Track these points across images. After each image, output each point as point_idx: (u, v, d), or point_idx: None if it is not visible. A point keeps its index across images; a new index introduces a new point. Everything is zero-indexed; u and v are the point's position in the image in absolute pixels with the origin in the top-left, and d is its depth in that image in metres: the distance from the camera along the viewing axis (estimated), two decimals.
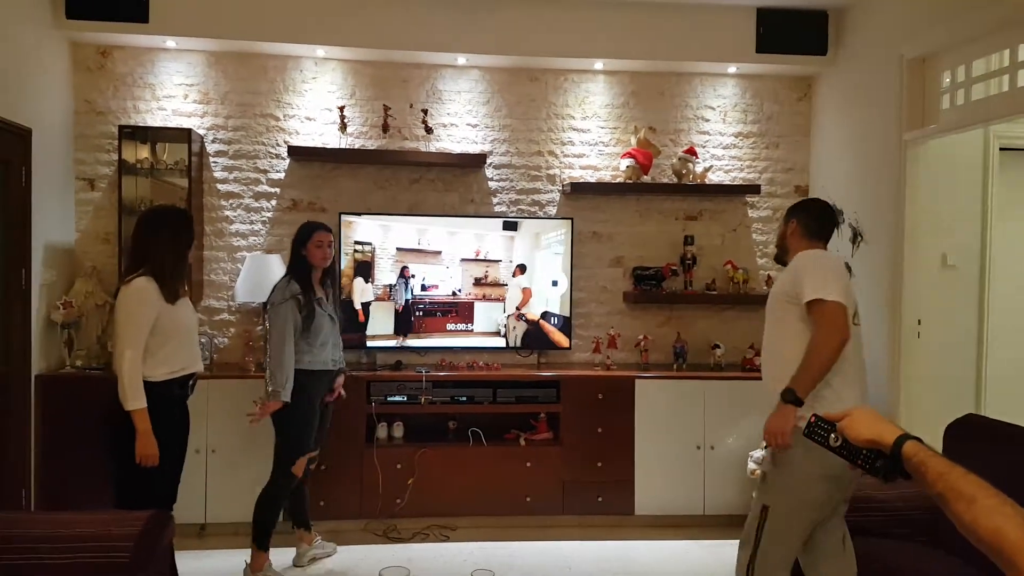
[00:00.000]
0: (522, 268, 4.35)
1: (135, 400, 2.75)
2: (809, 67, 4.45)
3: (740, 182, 4.60)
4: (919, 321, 3.82)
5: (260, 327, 4.00)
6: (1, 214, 3.59)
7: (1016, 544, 0.90)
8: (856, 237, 4.15)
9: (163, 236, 2.88)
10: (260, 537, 3.39)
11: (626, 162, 4.39)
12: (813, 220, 2.69)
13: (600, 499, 4.09)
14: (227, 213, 4.37)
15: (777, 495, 2.43)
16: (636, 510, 4.11)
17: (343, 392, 3.71)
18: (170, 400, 2.89)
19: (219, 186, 4.37)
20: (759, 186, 4.57)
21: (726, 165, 4.63)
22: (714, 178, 4.56)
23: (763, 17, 4.29)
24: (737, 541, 2.60)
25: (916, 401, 3.80)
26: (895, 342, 3.80)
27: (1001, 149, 4.07)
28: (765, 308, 2.69)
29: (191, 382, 3.01)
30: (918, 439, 1.14)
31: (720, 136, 4.63)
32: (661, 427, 4.08)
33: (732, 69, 4.50)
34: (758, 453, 3.90)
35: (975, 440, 2.79)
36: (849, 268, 4.18)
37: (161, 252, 2.86)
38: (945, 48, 3.59)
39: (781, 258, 2.80)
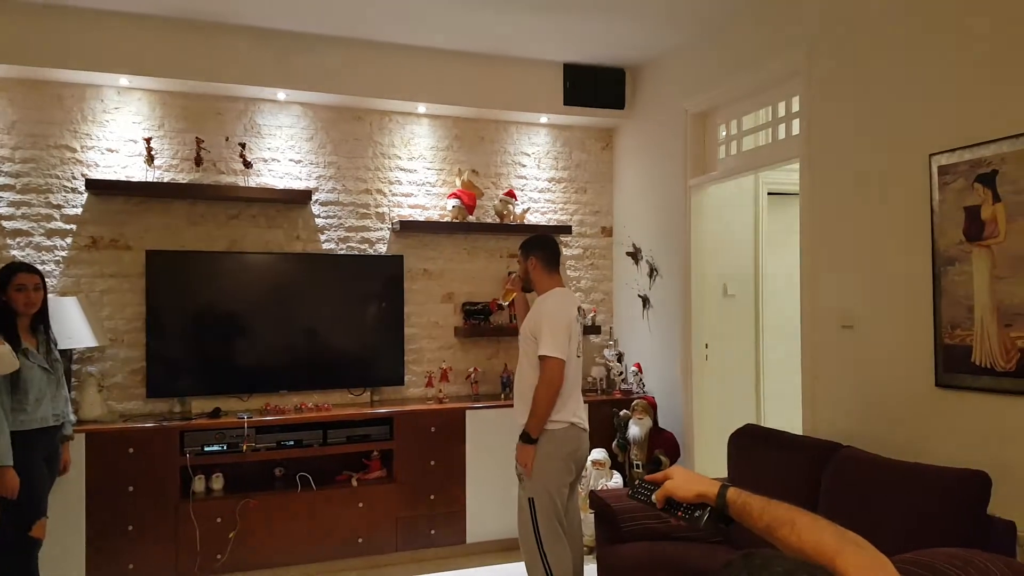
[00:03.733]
0: None
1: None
2: (610, 119, 4.74)
3: (555, 223, 4.78)
4: (706, 344, 4.17)
5: None
6: None
7: (833, 547, 0.98)
8: (652, 272, 4.47)
9: None
10: None
11: (452, 202, 4.41)
12: (547, 254, 3.17)
13: (432, 531, 3.98)
14: (14, 252, 3.74)
15: (534, 487, 2.96)
16: (468, 538, 4.04)
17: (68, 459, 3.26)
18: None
19: (4, 223, 3.75)
20: (571, 227, 4.78)
21: (542, 207, 4.79)
22: (532, 219, 4.70)
23: (570, 72, 4.53)
24: None
25: (707, 415, 4.11)
26: (687, 363, 4.10)
27: (769, 193, 4.57)
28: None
29: None
30: (733, 485, 1.21)
31: (536, 180, 4.79)
32: (491, 455, 4.05)
33: (544, 119, 4.69)
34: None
35: (753, 446, 3.04)
36: (648, 300, 4.52)
37: None
38: (721, 104, 3.97)
39: (528, 288, 3.26)
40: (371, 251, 4.40)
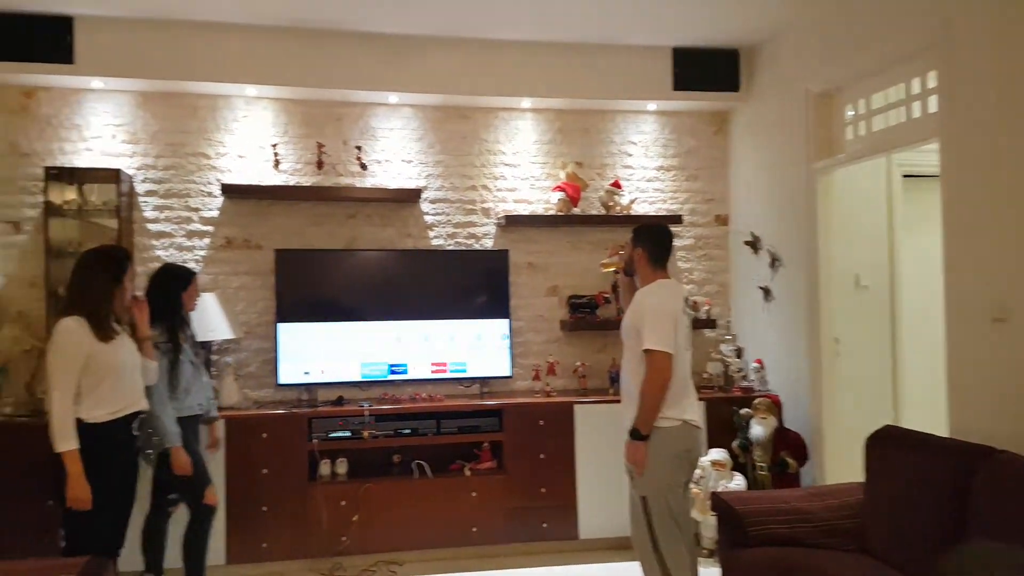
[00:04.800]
0: None
1: (63, 442, 2.58)
2: (723, 103, 4.47)
3: (664, 213, 4.54)
4: (836, 339, 3.81)
5: None
6: None
7: None
8: (774, 261, 4.15)
9: (93, 275, 2.72)
10: (200, 572, 3.21)
11: (556, 195, 4.31)
12: (658, 249, 2.96)
13: (545, 525, 3.90)
14: (159, 253, 4.07)
15: (647, 486, 2.80)
16: (580, 534, 3.93)
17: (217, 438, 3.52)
18: (114, 443, 2.70)
19: (149, 226, 4.09)
20: (681, 216, 4.53)
21: (650, 197, 4.59)
22: (639, 209, 4.50)
23: (679, 57, 4.30)
24: None
25: (837, 415, 3.77)
26: (815, 359, 3.77)
27: (904, 176, 4.12)
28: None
29: (136, 421, 2.80)
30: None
31: (643, 170, 4.59)
32: (600, 450, 3.90)
33: (651, 106, 4.49)
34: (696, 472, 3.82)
35: (893, 449, 2.76)
36: (769, 292, 4.20)
37: (92, 291, 2.69)
38: (847, 83, 3.63)
39: (630, 273, 3.09)
40: (477, 246, 4.40)
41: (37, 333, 3.79)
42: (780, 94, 4.09)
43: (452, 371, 4.18)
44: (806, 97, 3.81)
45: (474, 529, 3.85)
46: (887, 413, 4.00)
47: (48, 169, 3.80)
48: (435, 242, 4.37)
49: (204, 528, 3.23)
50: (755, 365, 4.27)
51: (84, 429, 2.61)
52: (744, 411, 3.97)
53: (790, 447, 3.80)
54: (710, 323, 4.43)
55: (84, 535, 2.64)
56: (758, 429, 3.84)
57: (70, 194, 3.87)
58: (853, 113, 3.65)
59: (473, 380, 4.25)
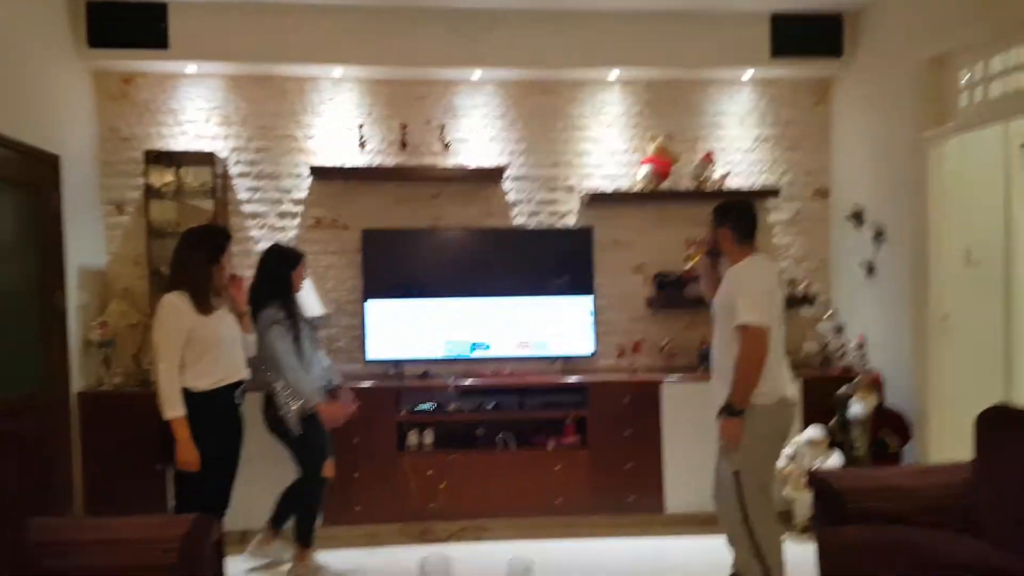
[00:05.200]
0: None
1: (171, 409, 2.75)
2: (825, 70, 4.18)
3: (759, 186, 4.32)
4: (945, 316, 3.58)
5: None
6: (35, 239, 3.47)
7: None
8: (878, 236, 3.90)
9: (193, 253, 2.84)
10: (302, 535, 3.33)
11: (644, 170, 4.14)
12: (744, 225, 2.87)
13: (630, 498, 3.90)
14: (252, 233, 4.18)
15: (742, 461, 2.78)
16: (667, 508, 3.90)
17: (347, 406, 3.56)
18: (217, 409, 2.85)
19: (243, 207, 4.18)
20: (778, 190, 4.29)
21: (744, 170, 4.36)
22: (733, 183, 4.29)
23: (777, 22, 4.04)
24: None
25: (944, 394, 3.58)
26: (921, 337, 3.58)
27: (1021, 146, 3.79)
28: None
29: (239, 390, 2.93)
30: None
31: (737, 141, 4.36)
32: (689, 428, 3.84)
33: (747, 75, 4.24)
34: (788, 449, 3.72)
35: (1006, 430, 2.59)
36: (873, 268, 3.97)
37: (192, 268, 2.82)
38: (962, 47, 3.33)
39: (716, 254, 3.02)
40: (560, 224, 4.31)
41: (141, 308, 3.97)
42: (887, 60, 3.80)
43: (535, 349, 4.15)
44: (915, 62, 3.53)
45: (558, 500, 3.87)
46: (997, 392, 3.77)
47: (147, 153, 3.91)
48: (517, 220, 4.30)
49: (316, 495, 3.34)
50: (856, 343, 4.07)
51: (190, 397, 2.77)
52: (843, 390, 3.83)
53: (891, 426, 3.66)
54: (808, 300, 4.23)
55: (192, 495, 2.82)
56: (858, 408, 3.71)
57: (168, 176, 3.98)
58: (968, 79, 3.35)
59: (556, 358, 4.21)
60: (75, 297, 3.71)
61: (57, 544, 2.22)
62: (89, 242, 3.92)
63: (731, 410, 2.74)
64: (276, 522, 3.45)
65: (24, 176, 3.36)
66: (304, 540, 3.33)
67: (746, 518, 2.78)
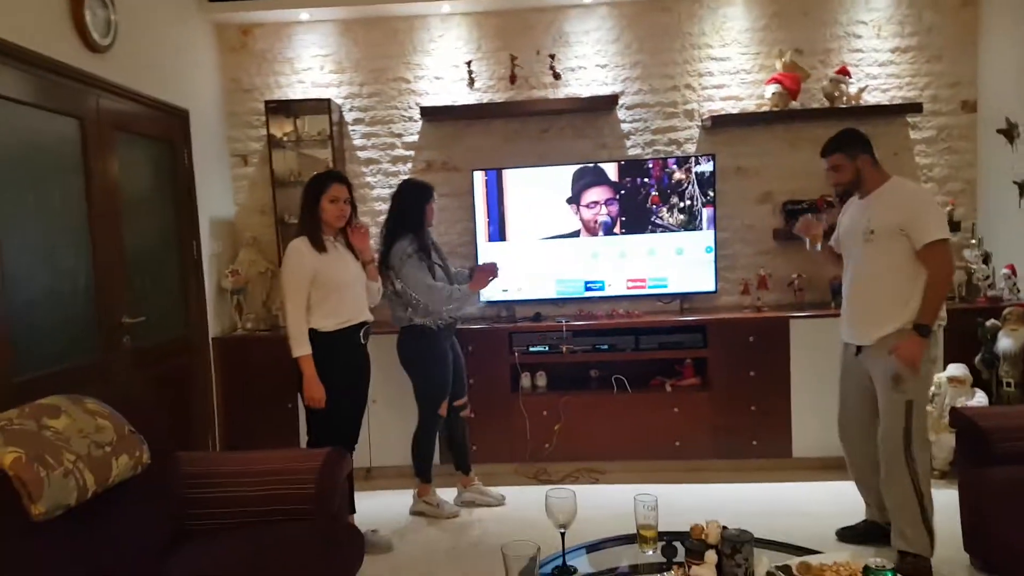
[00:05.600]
0: None
1: (298, 348, 2.81)
2: None
3: (899, 101, 3.92)
4: None
5: (389, 290, 3.44)
6: (171, 191, 3.62)
7: None
8: None
9: (303, 198, 2.92)
10: (421, 471, 3.41)
11: (771, 89, 3.83)
12: (871, 148, 2.74)
13: (755, 442, 3.70)
14: (368, 179, 4.21)
15: (917, 388, 2.63)
16: (794, 452, 3.68)
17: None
18: (343, 348, 2.90)
19: (359, 153, 4.21)
20: (921, 104, 3.87)
21: (883, 84, 3.96)
22: (870, 99, 3.91)
23: None
24: None
25: None
26: None
27: None
28: (852, 238, 2.75)
29: (363, 330, 2.99)
30: None
31: (874, 53, 3.95)
32: (820, 368, 3.56)
33: None
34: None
35: None
36: (1023, 190, 3.53)
37: (303, 212, 2.90)
38: None
39: (850, 193, 2.82)
40: (679, 152, 4.07)
41: (269, 256, 4.11)
42: None
43: (651, 287, 3.98)
44: None
45: (677, 443, 3.74)
46: None
47: (267, 103, 3.99)
48: (631, 151, 4.11)
49: (431, 432, 3.41)
50: (1006, 271, 3.66)
51: (317, 337, 2.84)
52: (991, 322, 3.48)
53: None
54: (954, 226, 3.82)
55: (323, 430, 2.89)
56: (1007, 342, 3.38)
57: (287, 126, 4.06)
58: None
59: (674, 296, 4.03)
60: (208, 247, 3.87)
61: (202, 476, 2.33)
62: (218, 193, 4.07)
63: (924, 330, 2.59)
64: (459, 466, 3.56)
65: (159, 131, 3.51)
66: (423, 475, 3.40)
67: (908, 449, 2.61)
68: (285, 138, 4.03)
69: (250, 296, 4.10)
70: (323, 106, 3.97)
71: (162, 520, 2.13)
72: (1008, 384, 3.40)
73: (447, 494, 3.51)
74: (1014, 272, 3.64)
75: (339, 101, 4.14)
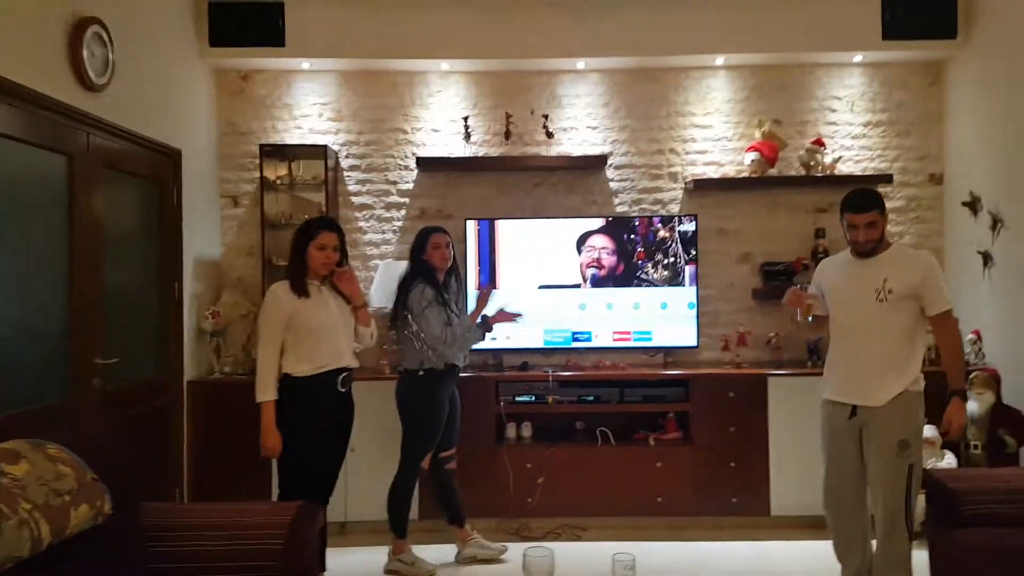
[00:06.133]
0: None
1: (261, 393, 2.70)
2: (939, 51, 3.91)
3: (871, 172, 4.05)
4: None
5: (393, 333, 3.42)
6: (157, 230, 3.49)
7: None
8: (996, 224, 3.57)
9: (293, 244, 2.82)
10: (396, 525, 3.20)
11: (751, 156, 3.93)
12: None
13: (734, 499, 3.62)
14: (360, 224, 4.14)
15: (918, 453, 2.59)
16: (772, 511, 3.59)
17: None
18: (317, 394, 2.73)
19: (353, 198, 4.15)
20: (891, 175, 4.01)
21: (856, 155, 4.10)
22: (844, 168, 4.04)
23: (888, 3, 3.78)
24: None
25: None
26: None
27: None
28: (857, 298, 2.59)
29: (342, 377, 2.80)
30: None
31: (848, 126, 4.11)
32: (797, 425, 3.53)
33: (858, 58, 4.00)
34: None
35: None
36: (990, 257, 3.55)
37: (290, 256, 2.81)
38: None
39: (872, 252, 2.60)
40: (663, 212, 4.09)
41: (253, 298, 3.95)
42: (1005, 38, 3.52)
43: (636, 339, 3.93)
44: None
45: (659, 499, 3.63)
46: None
47: (262, 147, 3.93)
48: (619, 208, 4.16)
49: (408, 484, 3.21)
50: (971, 337, 3.69)
51: (291, 382, 2.70)
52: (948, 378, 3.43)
53: (1010, 425, 3.33)
54: None
55: (295, 482, 2.71)
56: (973, 405, 3.38)
57: (282, 170, 3.98)
58: None
59: (658, 349, 4.01)
60: (191, 287, 3.71)
61: (166, 528, 2.15)
62: (205, 233, 3.94)
63: (964, 394, 2.63)
64: (453, 519, 3.34)
65: (149, 170, 3.40)
66: (398, 530, 3.20)
67: (909, 514, 2.53)
68: (278, 181, 3.95)
69: (230, 339, 3.93)
70: (319, 151, 3.93)
71: (122, 574, 1.92)
72: (975, 447, 3.40)
73: (443, 551, 3.31)
74: (979, 337, 3.71)
75: (336, 148, 4.10)
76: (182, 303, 3.57)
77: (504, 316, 3.27)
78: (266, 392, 2.67)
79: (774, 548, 3.40)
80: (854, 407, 2.60)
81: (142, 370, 3.30)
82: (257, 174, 3.88)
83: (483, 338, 3.25)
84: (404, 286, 3.20)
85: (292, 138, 4.04)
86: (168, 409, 3.48)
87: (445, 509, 3.34)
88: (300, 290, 2.72)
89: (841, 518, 2.69)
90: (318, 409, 2.74)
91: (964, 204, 3.79)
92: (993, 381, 3.41)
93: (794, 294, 2.75)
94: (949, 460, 3.41)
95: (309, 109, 4.07)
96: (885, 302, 2.55)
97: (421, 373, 3.12)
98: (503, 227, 3.90)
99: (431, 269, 3.19)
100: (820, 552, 3.21)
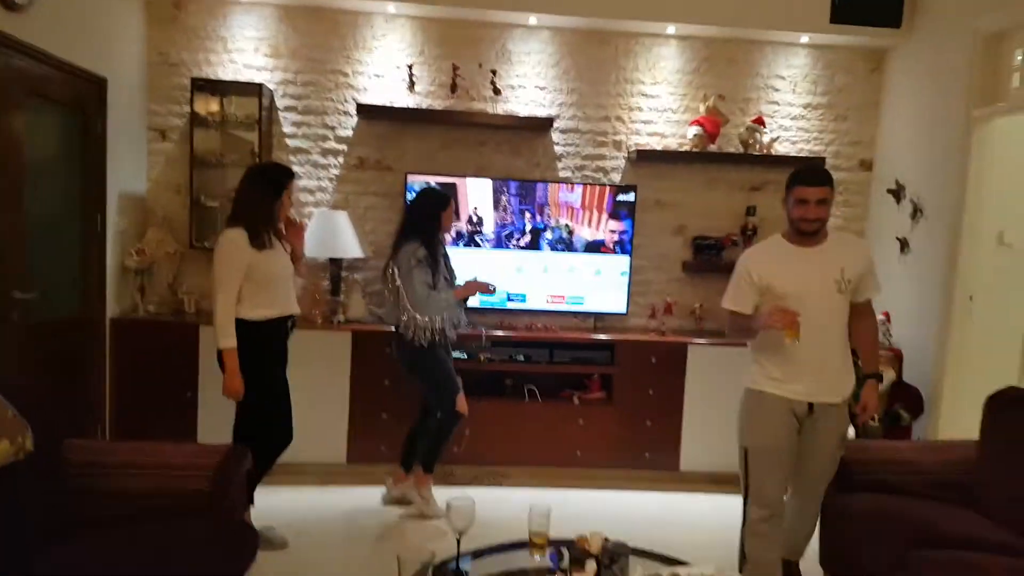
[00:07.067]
0: None
1: (224, 339, 2.77)
2: (882, 39, 4.02)
3: (806, 154, 4.21)
4: (971, 297, 3.52)
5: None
6: (78, 161, 3.37)
7: None
8: (916, 212, 3.82)
9: (254, 190, 2.86)
10: (427, 464, 3.41)
11: (693, 130, 4.02)
12: None
13: (648, 455, 3.92)
14: (295, 169, 4.02)
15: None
16: (681, 466, 3.94)
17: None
18: (270, 340, 2.89)
19: (288, 141, 4.06)
20: (824, 159, 4.18)
21: (793, 136, 4.24)
22: (780, 149, 4.18)
23: None
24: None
25: (961, 374, 3.55)
26: (945, 315, 3.54)
27: None
28: (815, 287, 2.44)
29: (289, 323, 2.98)
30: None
31: (789, 107, 4.23)
32: (711, 391, 3.84)
33: (805, 39, 4.08)
34: None
35: (1014, 412, 2.62)
36: (907, 244, 3.88)
37: (251, 205, 2.84)
38: (1019, 23, 3.19)
39: (815, 234, 2.45)
40: (605, 180, 4.19)
41: (180, 237, 3.89)
42: (944, 32, 3.67)
43: (569, 303, 4.10)
44: (973, 37, 3.41)
45: (578, 452, 3.90)
46: (1014, 376, 3.73)
47: (194, 80, 3.78)
48: (563, 174, 4.20)
49: (451, 429, 3.38)
50: (881, 318, 3.99)
51: (245, 326, 2.80)
52: (860, 363, 3.79)
53: (906, 400, 3.65)
54: None
55: (255, 422, 2.88)
56: None
57: (214, 106, 3.85)
58: (1022, 58, 3.22)
59: (589, 314, 4.18)
60: (114, 222, 3.63)
61: (91, 464, 2.24)
62: (131, 167, 3.82)
63: (880, 377, 2.69)
64: (406, 463, 3.50)
65: (71, 97, 3.25)
66: (428, 468, 3.40)
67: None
68: (210, 117, 3.82)
69: (155, 278, 3.87)
70: (254, 89, 3.81)
71: (45, 510, 2.02)
72: (873, 419, 3.66)
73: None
74: (888, 319, 3.99)
75: (272, 87, 3.97)
76: (105, 238, 3.51)
77: (477, 286, 3.32)
78: (229, 338, 2.75)
79: (681, 499, 3.78)
80: (810, 404, 2.47)
81: (63, 305, 3.27)
82: (187, 108, 3.76)
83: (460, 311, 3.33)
84: (398, 244, 3.23)
85: (226, 73, 3.90)
86: (89, 346, 3.46)
87: (404, 450, 3.50)
88: (263, 243, 2.79)
89: (783, 508, 2.58)
90: (274, 352, 2.91)
91: (889, 191, 4.01)
92: (896, 359, 3.71)
93: (783, 313, 2.34)
94: (848, 432, 3.84)
95: (245, 43, 3.92)
96: (843, 293, 2.43)
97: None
98: (446, 185, 3.86)
99: (433, 230, 3.23)
100: (722, 504, 3.64)
